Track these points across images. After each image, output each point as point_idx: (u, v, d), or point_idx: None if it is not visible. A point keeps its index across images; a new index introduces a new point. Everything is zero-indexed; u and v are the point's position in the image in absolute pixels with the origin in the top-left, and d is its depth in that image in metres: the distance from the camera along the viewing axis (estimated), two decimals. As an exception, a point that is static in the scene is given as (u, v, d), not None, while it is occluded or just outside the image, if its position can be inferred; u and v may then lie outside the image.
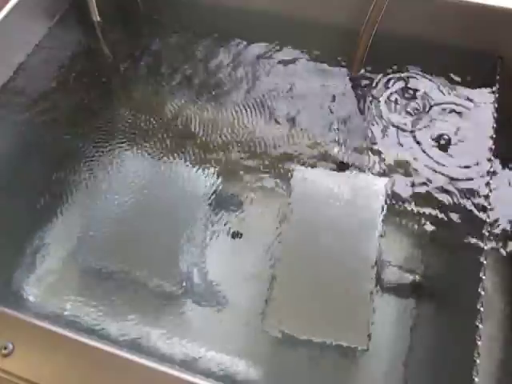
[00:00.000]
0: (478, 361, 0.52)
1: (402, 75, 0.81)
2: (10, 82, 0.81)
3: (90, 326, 0.64)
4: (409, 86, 0.80)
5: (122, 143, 0.79)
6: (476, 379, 0.51)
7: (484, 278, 0.57)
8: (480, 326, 0.54)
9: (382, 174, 0.72)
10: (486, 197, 0.65)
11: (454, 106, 0.77)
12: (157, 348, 0.62)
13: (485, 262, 0.59)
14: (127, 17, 0.95)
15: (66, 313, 0.66)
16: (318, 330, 0.60)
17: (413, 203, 0.70)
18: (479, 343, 0.53)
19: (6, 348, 0.50)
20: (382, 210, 0.68)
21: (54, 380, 0.49)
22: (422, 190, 0.71)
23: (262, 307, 0.62)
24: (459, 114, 0.76)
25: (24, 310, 0.56)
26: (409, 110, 0.78)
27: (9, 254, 0.70)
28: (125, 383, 0.49)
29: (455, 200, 0.69)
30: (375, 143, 0.76)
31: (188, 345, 0.63)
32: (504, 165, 0.73)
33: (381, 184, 0.70)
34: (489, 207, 0.64)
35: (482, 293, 0.56)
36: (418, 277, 0.66)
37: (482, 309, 0.55)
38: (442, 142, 0.74)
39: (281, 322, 0.61)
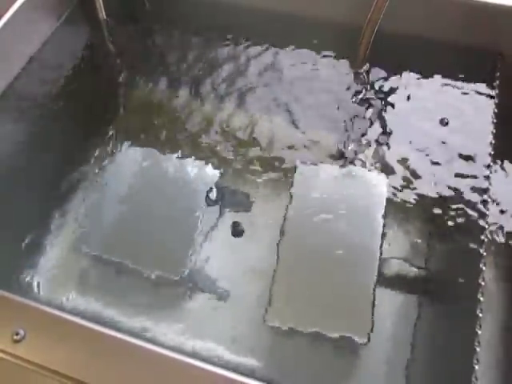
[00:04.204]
0: (478, 349, 0.53)
1: (403, 72, 0.82)
2: (17, 81, 0.81)
3: (92, 314, 0.65)
4: (409, 83, 0.81)
5: (128, 138, 0.80)
6: (476, 367, 0.52)
7: (484, 269, 0.58)
8: (480, 315, 0.55)
9: (383, 169, 0.73)
10: (486, 190, 0.66)
11: (454, 103, 0.78)
12: (158, 337, 0.64)
13: (485, 254, 0.59)
14: (134, 15, 0.95)
15: (68, 301, 0.67)
16: (319, 323, 0.61)
17: (413, 197, 0.71)
18: (479, 332, 0.54)
19: (17, 334, 0.51)
20: (384, 204, 0.68)
21: (64, 365, 0.49)
22: (423, 185, 0.72)
23: (264, 301, 0.63)
24: (460, 110, 0.77)
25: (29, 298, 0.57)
26: (409, 106, 0.79)
27: (13, 244, 0.71)
28: (133, 368, 0.50)
29: (456, 194, 0.70)
30: (377, 139, 0.77)
31: (189, 336, 0.64)
32: (504, 160, 0.74)
33: (382, 179, 0.71)
34: (489, 200, 0.65)
35: (483, 283, 0.57)
36: (419, 270, 0.67)
37: (482, 298, 0.56)
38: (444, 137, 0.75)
39: (283, 316, 0.62)
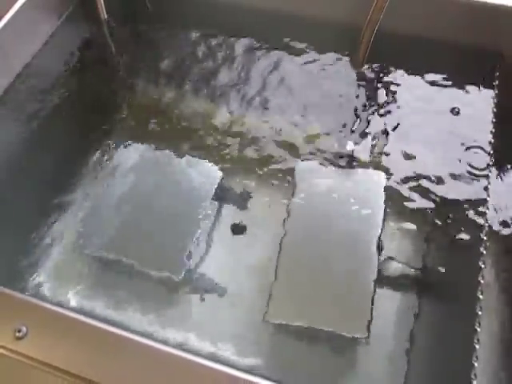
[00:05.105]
0: (477, 347, 0.53)
1: (403, 72, 0.82)
2: (18, 80, 0.82)
3: (93, 314, 0.66)
4: (409, 82, 0.81)
5: (129, 137, 0.80)
6: (475, 365, 0.52)
7: (483, 267, 0.58)
8: (479, 313, 0.55)
9: (383, 168, 0.73)
10: (485, 189, 0.66)
11: (454, 103, 0.78)
12: (158, 336, 0.64)
13: (484, 253, 0.60)
14: (135, 15, 0.95)
15: (69, 301, 0.67)
16: (319, 319, 0.61)
17: (413, 196, 0.71)
18: (478, 330, 0.54)
19: (19, 331, 0.51)
20: (383, 203, 0.68)
21: (65, 361, 0.50)
22: (423, 184, 0.72)
23: (264, 299, 0.63)
24: (459, 110, 0.77)
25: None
26: (408, 105, 0.79)
27: (14, 244, 0.71)
28: (135, 364, 0.50)
29: (455, 192, 0.70)
30: (377, 138, 0.77)
31: (190, 335, 0.64)
32: (503, 159, 0.74)
33: (381, 178, 0.71)
34: (488, 200, 0.65)
35: (482, 281, 0.57)
36: (419, 269, 0.67)
37: (481, 296, 0.56)
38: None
39: (283, 313, 0.62)
